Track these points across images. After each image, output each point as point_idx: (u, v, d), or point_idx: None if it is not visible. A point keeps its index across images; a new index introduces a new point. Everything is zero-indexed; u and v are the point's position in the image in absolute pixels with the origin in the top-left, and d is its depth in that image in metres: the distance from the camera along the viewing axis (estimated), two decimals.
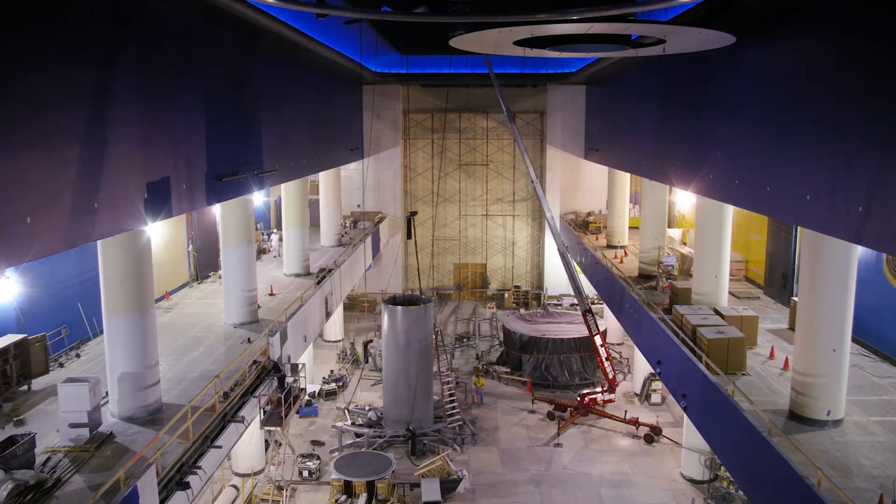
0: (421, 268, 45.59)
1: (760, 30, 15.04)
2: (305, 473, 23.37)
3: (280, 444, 23.31)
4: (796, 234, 23.72)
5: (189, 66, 15.41)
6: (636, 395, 30.31)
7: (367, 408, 28.06)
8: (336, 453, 24.56)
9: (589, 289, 38.50)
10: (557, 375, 31.61)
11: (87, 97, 11.20)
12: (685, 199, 36.43)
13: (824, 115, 12.42)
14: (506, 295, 44.36)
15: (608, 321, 34.30)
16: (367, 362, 32.69)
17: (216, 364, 18.23)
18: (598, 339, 27.69)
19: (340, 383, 30.47)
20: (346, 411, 28.06)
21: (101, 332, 16.34)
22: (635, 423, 26.71)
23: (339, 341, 36.77)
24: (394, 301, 27.30)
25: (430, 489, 21.38)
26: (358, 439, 25.65)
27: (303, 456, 24.14)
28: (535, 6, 12.64)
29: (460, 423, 27.10)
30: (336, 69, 30.30)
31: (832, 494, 11.88)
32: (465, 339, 37.65)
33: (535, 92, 43.76)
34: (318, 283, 26.16)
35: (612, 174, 35.37)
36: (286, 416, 18.59)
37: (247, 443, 22.27)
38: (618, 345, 35.85)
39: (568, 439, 26.69)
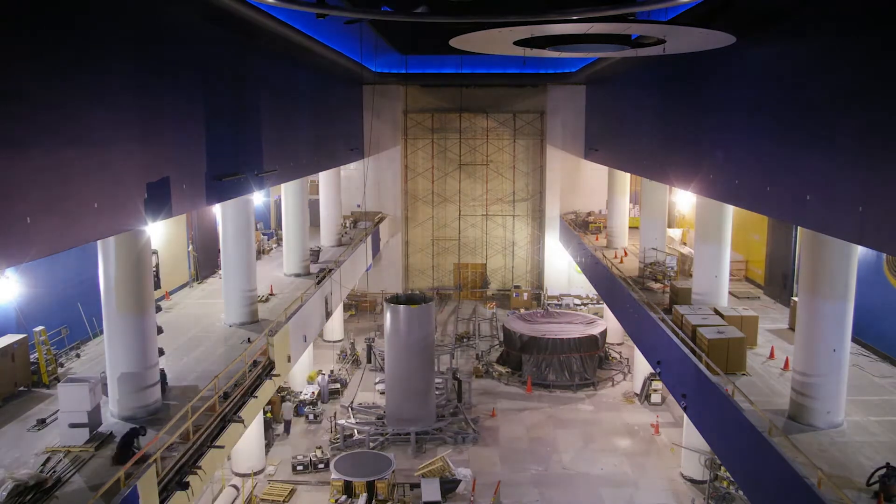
0: (421, 267, 45.69)
1: (760, 30, 15.04)
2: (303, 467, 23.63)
3: None
4: (796, 234, 23.71)
5: (189, 65, 15.42)
6: (636, 394, 30.30)
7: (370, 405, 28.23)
8: (336, 452, 24.59)
9: (589, 289, 38.59)
10: (558, 375, 31.62)
11: (88, 96, 11.19)
12: (685, 199, 36.42)
13: (824, 114, 12.42)
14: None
15: (608, 321, 34.29)
16: (369, 362, 32.48)
17: (216, 364, 18.23)
18: None
19: (339, 384, 30.47)
20: (349, 408, 28.13)
21: (101, 332, 16.35)
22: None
23: (339, 341, 36.78)
24: (396, 300, 27.31)
25: (430, 489, 21.39)
26: (359, 436, 25.68)
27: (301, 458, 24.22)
28: (536, 6, 12.65)
29: (461, 421, 27.12)
30: (336, 69, 30.30)
31: (832, 494, 11.88)
32: (465, 339, 37.64)
33: (535, 92, 43.75)
34: (318, 283, 26.16)
35: (612, 174, 35.36)
36: None
37: (247, 442, 22.32)
38: (618, 345, 35.86)
39: (568, 439, 26.71)
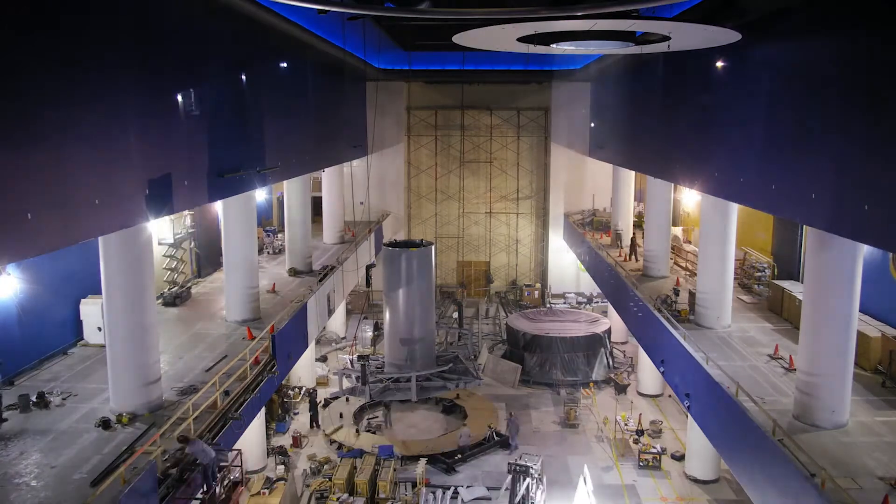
0: None
1: (766, 27, 14.92)
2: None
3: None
4: (802, 233, 23.56)
5: (192, 61, 15.35)
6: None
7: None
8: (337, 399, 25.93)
9: (593, 287, 38.44)
10: (563, 374, 31.49)
11: (89, 93, 11.13)
12: (690, 197, 36.22)
13: (830, 112, 12.32)
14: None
15: (612, 320, 34.17)
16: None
17: (217, 360, 18.16)
18: None
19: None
20: (349, 360, 28.44)
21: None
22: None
23: (343, 338, 36.76)
24: (394, 245, 27.19)
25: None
26: (358, 384, 25.97)
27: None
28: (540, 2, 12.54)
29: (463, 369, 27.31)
30: (339, 65, 30.21)
31: (836, 495, 11.78)
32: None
33: (539, 89, 43.62)
34: (321, 280, 26.09)
35: (617, 172, 35.20)
36: None
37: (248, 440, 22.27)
38: (622, 343, 35.70)
39: (570, 439, 26.63)
